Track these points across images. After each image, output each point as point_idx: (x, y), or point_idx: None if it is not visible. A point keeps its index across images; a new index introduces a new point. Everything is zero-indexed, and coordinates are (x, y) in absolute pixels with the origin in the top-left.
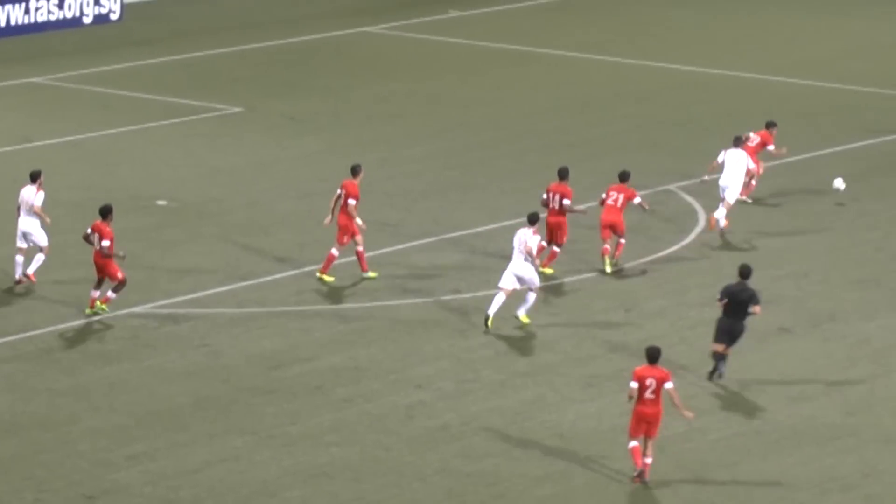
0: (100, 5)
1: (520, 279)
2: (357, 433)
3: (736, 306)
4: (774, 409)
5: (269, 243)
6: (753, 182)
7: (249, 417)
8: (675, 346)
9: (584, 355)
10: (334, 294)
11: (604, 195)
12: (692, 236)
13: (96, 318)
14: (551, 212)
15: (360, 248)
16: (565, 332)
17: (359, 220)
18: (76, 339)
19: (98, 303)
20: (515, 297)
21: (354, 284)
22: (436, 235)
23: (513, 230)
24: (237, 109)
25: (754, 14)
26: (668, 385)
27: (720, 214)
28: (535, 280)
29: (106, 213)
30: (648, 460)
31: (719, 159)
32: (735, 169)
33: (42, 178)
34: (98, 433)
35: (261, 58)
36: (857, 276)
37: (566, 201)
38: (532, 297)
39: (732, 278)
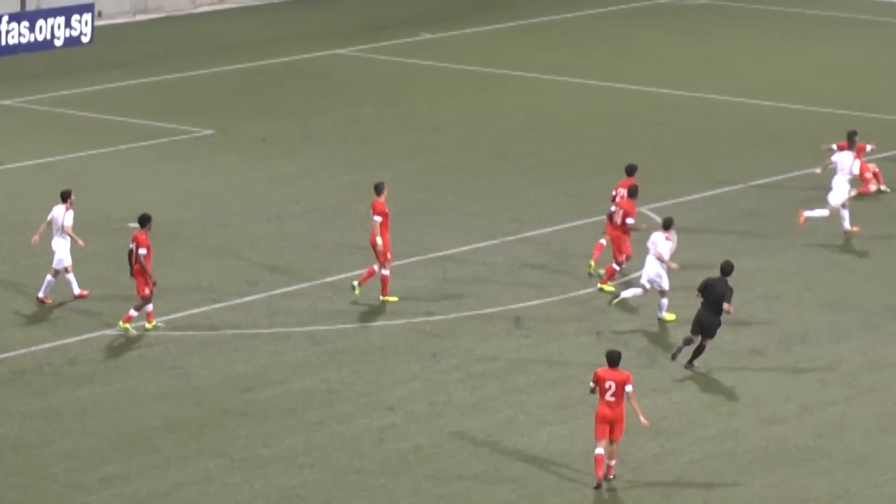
0: (71, 28)
1: (650, 280)
2: (329, 455)
3: (711, 300)
4: (746, 432)
5: (240, 265)
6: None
7: (221, 440)
8: (647, 369)
9: (555, 377)
10: (306, 316)
11: (613, 192)
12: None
13: (154, 331)
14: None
15: (376, 267)
16: (537, 354)
17: (379, 239)
18: (48, 361)
19: (122, 322)
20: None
21: (326, 307)
22: (407, 258)
23: (485, 252)
24: (209, 132)
25: (724, 37)
26: (628, 388)
27: (816, 214)
28: (663, 283)
29: (144, 221)
30: (612, 462)
31: (834, 158)
32: (844, 172)
33: (73, 196)
34: (70, 456)
35: (232, 80)
36: (829, 298)
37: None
38: (664, 299)
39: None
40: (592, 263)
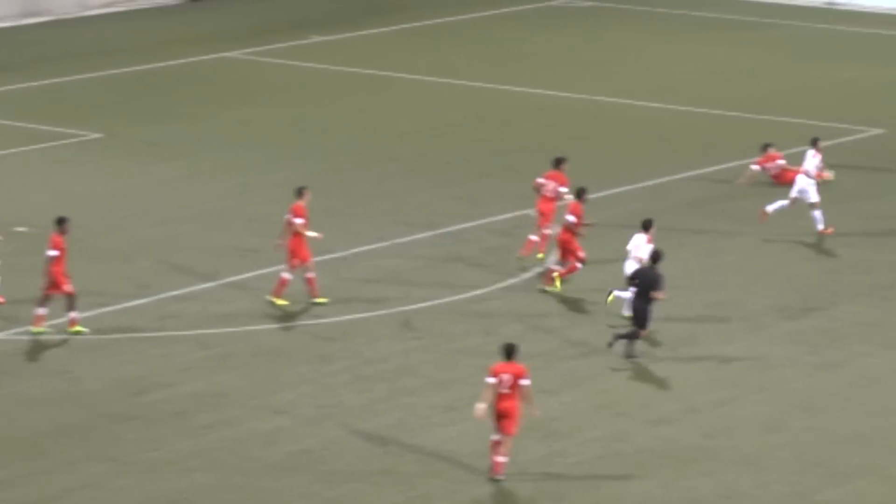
0: None
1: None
2: (218, 459)
3: (641, 288)
4: (635, 432)
5: (129, 269)
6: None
7: (110, 444)
8: (536, 371)
9: (445, 379)
10: (196, 320)
11: (541, 180)
12: (550, 261)
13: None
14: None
15: (311, 275)
16: (426, 356)
17: (312, 233)
18: None
19: (76, 326)
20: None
21: (216, 310)
22: None
23: (374, 254)
24: (97, 135)
25: (611, 39)
26: (524, 382)
27: (818, 218)
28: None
29: (57, 224)
30: (502, 459)
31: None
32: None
33: None
34: None
35: (121, 83)
36: (716, 299)
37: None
38: (624, 294)
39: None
40: (541, 255)
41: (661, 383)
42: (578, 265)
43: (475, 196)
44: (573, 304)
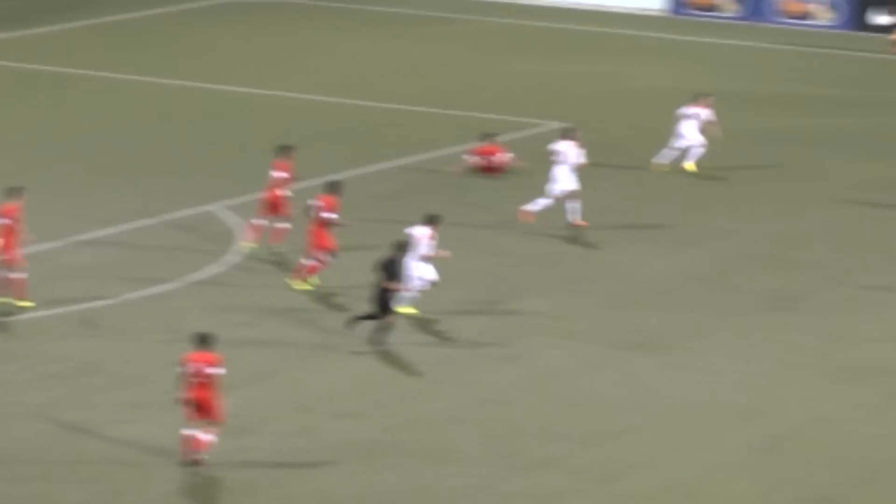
0: None
1: (420, 279)
2: None
3: (383, 276)
4: (318, 427)
5: None
6: None
7: None
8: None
9: (130, 377)
10: None
11: (279, 174)
12: (236, 256)
13: None
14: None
15: (15, 276)
16: (111, 353)
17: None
18: None
19: None
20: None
21: None
22: None
23: (57, 252)
24: None
25: (294, 34)
26: (214, 370)
27: (540, 206)
28: (431, 278)
29: None
30: (207, 437)
31: (557, 148)
32: (566, 162)
33: None
34: None
35: None
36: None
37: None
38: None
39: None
40: (250, 244)
41: (345, 378)
42: (327, 259)
43: (161, 193)
44: (259, 299)
